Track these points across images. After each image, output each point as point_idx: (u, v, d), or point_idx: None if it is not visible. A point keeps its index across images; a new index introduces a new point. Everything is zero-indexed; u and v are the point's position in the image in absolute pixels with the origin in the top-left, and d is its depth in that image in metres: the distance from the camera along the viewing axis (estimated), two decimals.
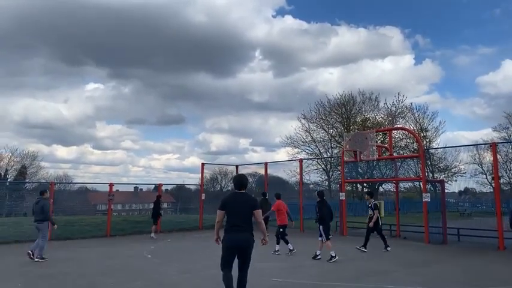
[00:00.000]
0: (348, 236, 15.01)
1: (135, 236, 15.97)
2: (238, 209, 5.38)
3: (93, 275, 8.17)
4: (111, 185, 16.71)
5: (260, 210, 5.54)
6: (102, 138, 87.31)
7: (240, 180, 5.65)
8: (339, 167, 22.28)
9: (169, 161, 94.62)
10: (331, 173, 33.81)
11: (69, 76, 79.38)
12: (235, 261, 5.38)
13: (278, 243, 10.88)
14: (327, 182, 33.90)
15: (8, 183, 31.26)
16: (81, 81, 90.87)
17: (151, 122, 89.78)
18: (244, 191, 5.61)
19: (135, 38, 69.79)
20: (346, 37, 76.44)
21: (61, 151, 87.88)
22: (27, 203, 21.67)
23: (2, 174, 42.06)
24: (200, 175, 20.45)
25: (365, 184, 33.21)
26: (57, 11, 61.55)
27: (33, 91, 79.61)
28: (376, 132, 16.55)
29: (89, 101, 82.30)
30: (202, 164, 20.60)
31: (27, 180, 40.05)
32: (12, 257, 10.72)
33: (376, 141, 15.99)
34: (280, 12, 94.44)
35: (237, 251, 5.33)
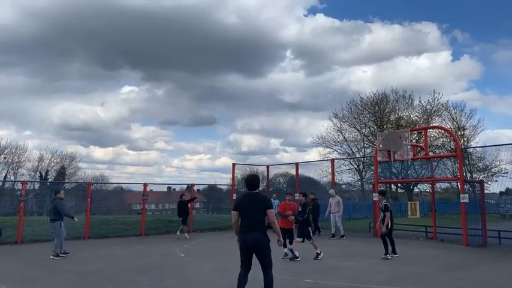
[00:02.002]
0: None
1: (169, 235, 16.26)
2: (251, 209, 5.46)
3: (129, 272, 8.38)
4: (145, 185, 17.12)
5: (273, 210, 5.61)
6: (137, 140, 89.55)
7: (252, 181, 5.70)
8: (372, 167, 21.82)
9: (201, 161, 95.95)
10: (364, 173, 33.18)
11: (105, 80, 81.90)
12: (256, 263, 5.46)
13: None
14: (359, 182, 33.32)
15: (48, 183, 32.67)
16: (116, 85, 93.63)
17: (183, 123, 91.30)
18: (256, 191, 5.69)
19: (167, 41, 71.27)
20: (380, 34, 74.90)
21: (98, 152, 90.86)
22: (66, 202, 22.52)
23: (43, 174, 43.94)
24: (231, 175, 20.59)
25: (399, 185, 32.40)
26: (94, 17, 63.77)
27: (71, 95, 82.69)
28: (411, 131, 16.10)
29: (124, 104, 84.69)
30: (233, 165, 20.76)
31: (66, 181, 41.66)
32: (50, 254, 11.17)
33: (411, 141, 15.55)
34: (312, 11, 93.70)
35: (250, 250, 5.40)
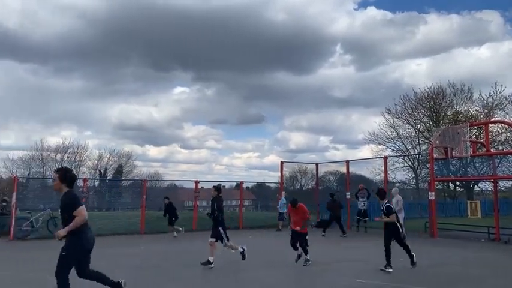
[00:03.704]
0: (439, 238, 14.02)
1: None
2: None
3: (179, 266, 8.63)
4: (196, 182, 17.57)
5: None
6: (189, 138, 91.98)
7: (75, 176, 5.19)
8: (428, 165, 20.87)
9: (249, 159, 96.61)
10: (419, 170, 31.82)
11: (158, 81, 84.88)
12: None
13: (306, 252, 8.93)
14: (414, 181, 32.02)
15: (107, 181, 34.50)
16: (169, 86, 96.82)
17: (232, 122, 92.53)
18: None
19: (217, 41, 72.42)
20: (437, 25, 71.21)
21: (152, 151, 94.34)
22: (123, 198, 23.67)
23: (102, 172, 46.48)
24: (280, 173, 20.57)
25: (458, 183, 30.71)
26: (146, 21, 66.28)
27: (127, 97, 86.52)
28: (470, 126, 15.20)
29: (177, 104, 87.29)
30: (282, 163, 20.70)
31: (123, 178, 43.75)
32: (109, 249, 11.76)
33: (470, 136, 14.70)
34: (363, 4, 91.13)
35: (90, 252, 5.03)
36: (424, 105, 32.87)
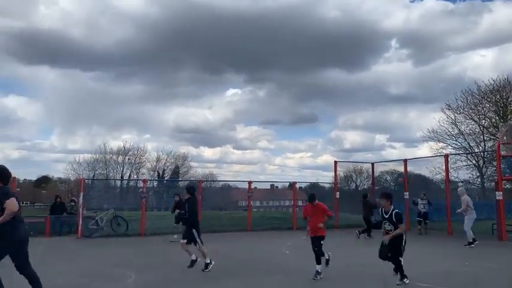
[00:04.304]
0: (508, 242, 13.05)
1: (273, 232, 16.61)
2: (18, 201, 5.28)
3: (236, 266, 8.74)
4: (249, 182, 17.74)
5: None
6: (241, 139, 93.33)
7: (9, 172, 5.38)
8: (494, 163, 19.51)
9: (302, 159, 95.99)
10: (484, 169, 29.83)
11: (212, 84, 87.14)
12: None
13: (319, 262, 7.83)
14: (479, 180, 30.06)
15: (165, 181, 35.89)
16: (222, 88, 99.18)
17: (284, 122, 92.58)
18: None
19: (269, 41, 72.59)
20: (502, 13, 66.45)
21: (207, 152, 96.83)
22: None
23: (160, 173, 48.45)
24: (334, 173, 20.20)
25: None
26: (199, 25, 68.04)
27: (183, 100, 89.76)
28: None
29: (229, 106, 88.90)
30: (335, 162, 20.33)
31: (180, 179, 45.26)
32: (170, 247, 12.22)
33: None
34: None
35: (25, 244, 5.24)
36: (489, 99, 30.78)
